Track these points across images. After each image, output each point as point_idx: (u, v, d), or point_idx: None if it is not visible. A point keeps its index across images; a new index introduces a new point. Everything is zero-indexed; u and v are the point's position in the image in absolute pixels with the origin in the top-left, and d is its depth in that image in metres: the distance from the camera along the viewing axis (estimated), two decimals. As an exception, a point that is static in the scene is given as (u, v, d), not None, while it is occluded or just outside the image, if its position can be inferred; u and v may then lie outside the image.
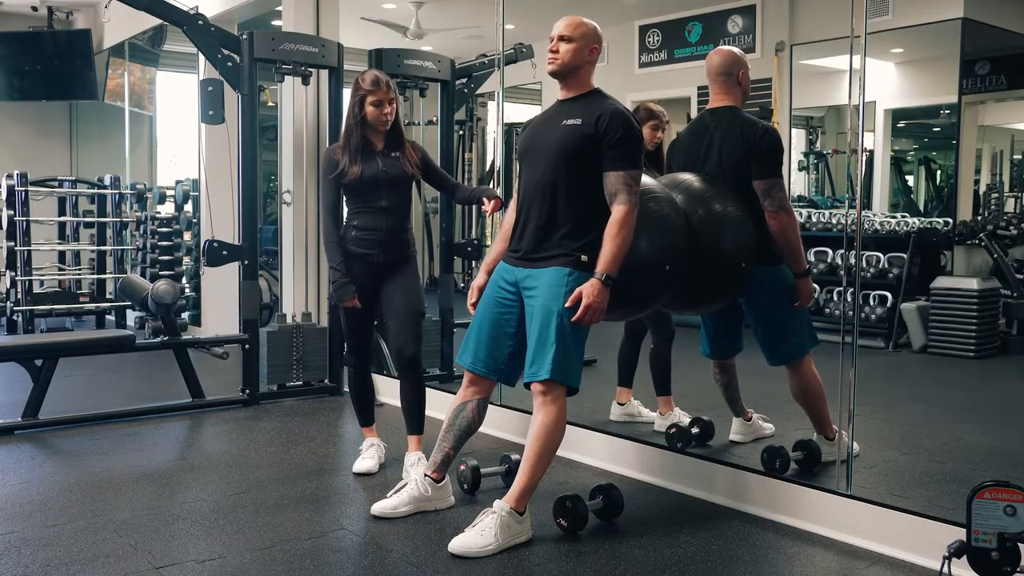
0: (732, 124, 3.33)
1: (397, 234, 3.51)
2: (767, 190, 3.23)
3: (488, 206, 3.50)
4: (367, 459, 3.61)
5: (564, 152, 2.87)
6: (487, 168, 9.50)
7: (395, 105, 3.47)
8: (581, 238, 2.84)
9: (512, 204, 3.11)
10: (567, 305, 2.77)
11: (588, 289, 2.75)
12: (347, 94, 5.14)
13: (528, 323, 2.87)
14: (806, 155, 7.80)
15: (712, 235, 3.13)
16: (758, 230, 3.23)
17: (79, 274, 7.79)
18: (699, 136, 3.43)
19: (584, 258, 2.82)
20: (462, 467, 3.35)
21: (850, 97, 3.00)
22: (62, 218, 7.64)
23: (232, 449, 3.99)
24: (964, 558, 2.27)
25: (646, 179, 3.08)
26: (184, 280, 7.23)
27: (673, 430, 3.74)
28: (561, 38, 2.92)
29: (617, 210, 2.80)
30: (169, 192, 7.71)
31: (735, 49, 3.46)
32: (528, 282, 2.89)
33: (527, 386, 2.87)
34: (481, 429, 4.06)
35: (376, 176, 3.45)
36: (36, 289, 7.09)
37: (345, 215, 3.57)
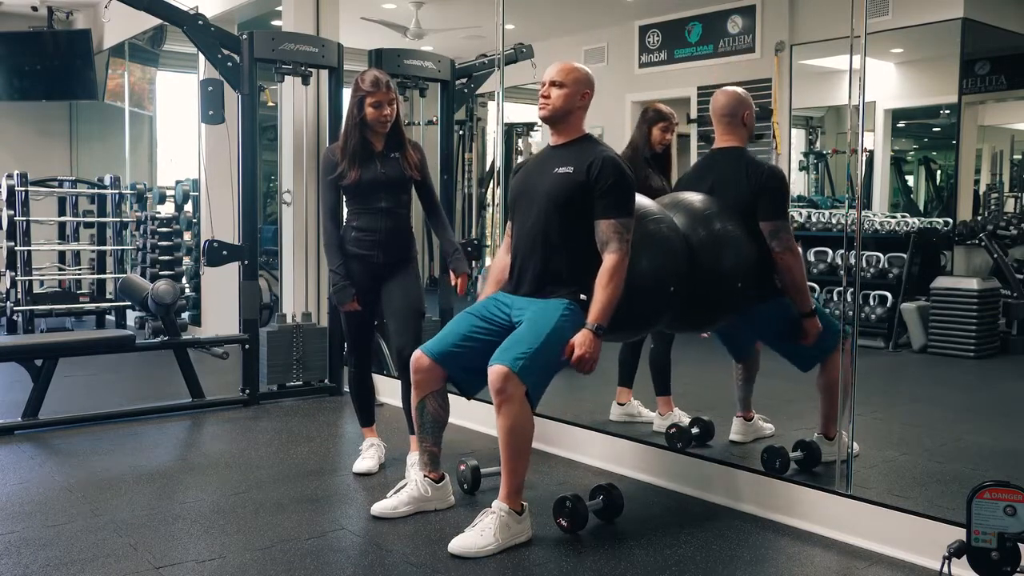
0: (737, 165, 3.37)
1: (397, 235, 3.51)
2: (774, 231, 3.26)
3: (455, 280, 3.56)
4: (367, 459, 3.61)
5: (555, 200, 2.88)
6: (487, 168, 9.50)
7: (395, 106, 3.45)
8: (578, 283, 2.86)
9: (504, 246, 3.15)
10: (563, 359, 2.79)
11: (580, 340, 2.77)
12: (347, 94, 5.16)
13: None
14: (806, 155, 7.79)
15: (710, 254, 3.15)
16: (760, 264, 3.25)
17: (79, 274, 7.78)
18: (704, 176, 3.46)
19: (583, 296, 2.84)
20: (462, 467, 3.35)
21: (850, 97, 3.00)
22: (62, 218, 7.64)
23: (232, 449, 3.99)
24: (964, 558, 2.27)
25: (645, 201, 3.12)
26: (184, 280, 7.23)
27: (673, 430, 3.74)
28: (553, 83, 2.93)
29: (608, 259, 2.81)
30: (169, 192, 7.70)
31: (740, 90, 3.49)
32: (524, 303, 2.93)
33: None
34: (480, 429, 4.07)
35: (375, 179, 3.44)
36: (36, 289, 7.09)
37: (345, 215, 3.56)
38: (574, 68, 2.96)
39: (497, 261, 3.19)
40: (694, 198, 3.32)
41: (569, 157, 2.91)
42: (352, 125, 3.44)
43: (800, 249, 3.33)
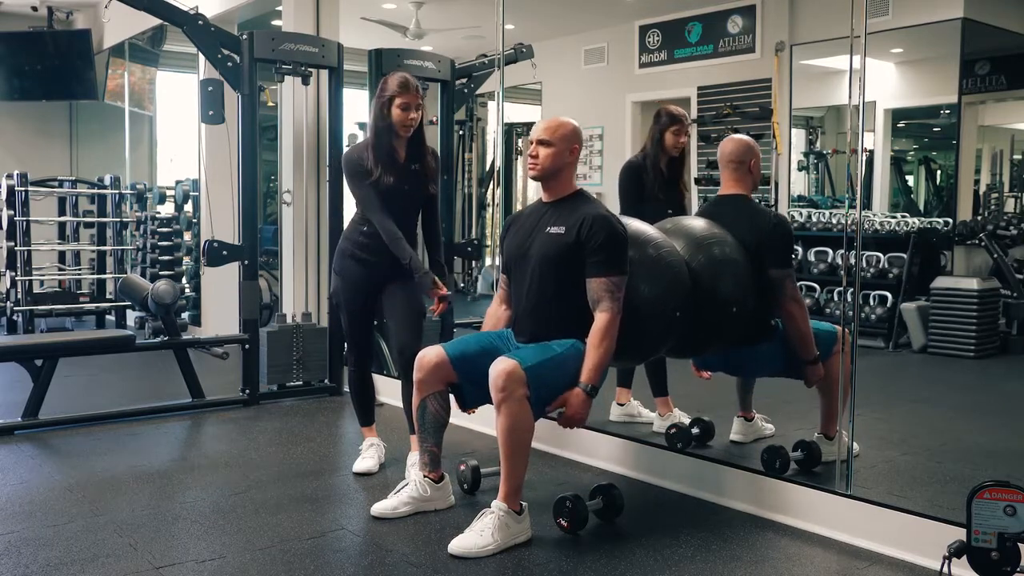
0: (742, 213, 3.37)
1: None
2: (779, 280, 3.27)
3: (436, 306, 3.48)
4: (367, 459, 3.61)
5: (549, 262, 2.92)
6: (487, 168, 9.50)
7: (421, 112, 3.39)
8: (577, 335, 2.88)
9: (497, 297, 3.20)
10: (548, 409, 2.84)
11: (573, 400, 2.82)
12: (347, 94, 5.16)
13: None
14: (806, 155, 7.79)
15: (707, 279, 3.16)
16: (758, 302, 3.27)
17: (79, 274, 7.79)
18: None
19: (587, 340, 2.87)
20: (462, 467, 3.36)
21: (850, 97, 3.00)
22: (62, 218, 7.63)
23: (232, 449, 3.99)
24: (964, 558, 2.28)
25: (645, 227, 3.14)
26: (184, 280, 7.23)
27: (673, 430, 3.75)
28: (540, 142, 2.94)
29: (600, 317, 2.82)
30: (169, 192, 7.70)
31: (748, 138, 3.51)
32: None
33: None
34: (482, 430, 4.07)
35: (396, 191, 3.40)
36: (36, 289, 7.10)
37: (356, 214, 3.53)
38: (560, 124, 2.96)
39: (491, 311, 3.23)
40: (694, 223, 3.35)
41: (560, 216, 2.93)
42: (381, 129, 3.38)
43: (804, 299, 3.37)
